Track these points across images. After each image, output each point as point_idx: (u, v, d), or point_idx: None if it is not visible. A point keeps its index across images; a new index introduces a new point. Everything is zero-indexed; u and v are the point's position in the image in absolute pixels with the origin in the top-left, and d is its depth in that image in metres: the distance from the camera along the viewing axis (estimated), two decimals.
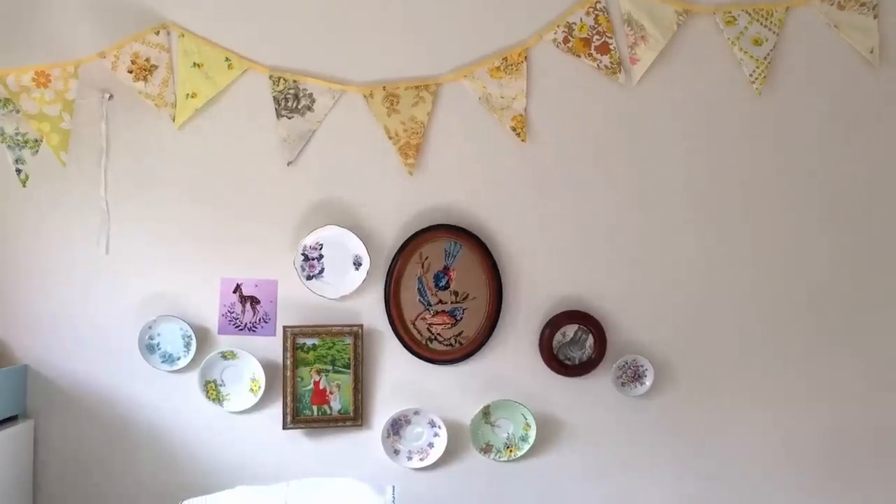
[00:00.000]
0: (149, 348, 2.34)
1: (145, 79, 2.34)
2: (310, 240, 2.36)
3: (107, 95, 2.35)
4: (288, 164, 2.38)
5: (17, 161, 2.29)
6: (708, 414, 2.44)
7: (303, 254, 2.37)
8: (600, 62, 2.41)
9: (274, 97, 2.37)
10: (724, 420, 2.44)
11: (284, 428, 2.36)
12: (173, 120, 2.36)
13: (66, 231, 2.36)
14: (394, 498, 2.05)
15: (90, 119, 2.34)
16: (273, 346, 2.37)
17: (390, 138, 2.39)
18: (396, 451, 2.39)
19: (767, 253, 2.45)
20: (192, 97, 2.36)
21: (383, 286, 2.40)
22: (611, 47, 2.40)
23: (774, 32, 2.41)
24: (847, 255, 2.46)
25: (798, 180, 2.45)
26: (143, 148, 2.37)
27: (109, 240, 2.36)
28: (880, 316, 2.46)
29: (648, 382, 2.40)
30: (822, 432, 2.45)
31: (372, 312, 2.40)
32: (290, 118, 2.38)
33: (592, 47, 2.41)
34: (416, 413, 2.38)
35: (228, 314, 2.38)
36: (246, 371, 2.36)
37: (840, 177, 2.45)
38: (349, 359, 2.37)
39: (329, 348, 2.37)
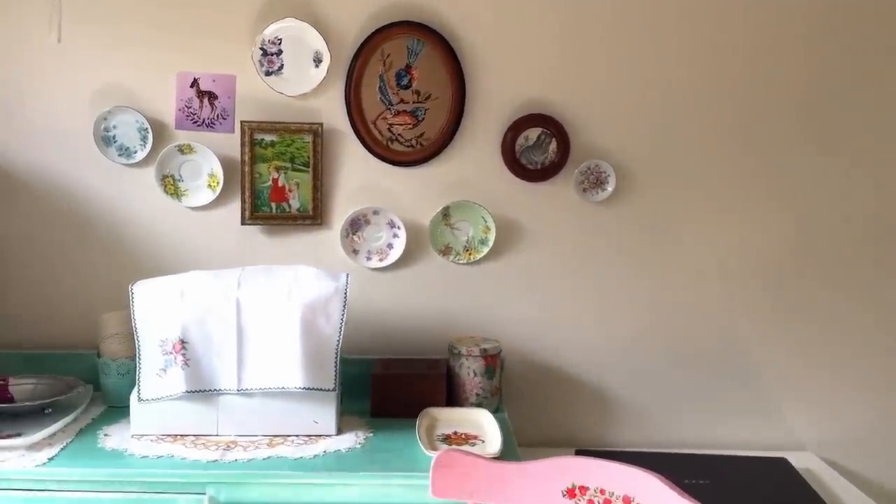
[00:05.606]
0: (105, 140, 2.30)
1: None
2: (268, 32, 2.29)
3: None
4: None
5: None
6: (669, 220, 2.42)
7: (261, 48, 2.30)
8: None
9: None
10: (684, 226, 2.42)
11: (243, 224, 2.34)
12: None
13: (16, 17, 2.27)
14: (347, 285, 2.04)
15: None
16: (231, 143, 2.33)
17: None
18: (355, 251, 2.38)
19: (741, 62, 2.37)
20: None
21: (344, 85, 2.34)
22: None
23: None
24: (827, 63, 2.40)
25: None
26: None
27: (62, 28, 2.29)
28: (853, 122, 2.41)
29: (610, 188, 2.38)
30: (783, 241, 2.44)
31: (332, 111, 2.35)
32: None
33: None
34: (376, 213, 2.36)
35: (185, 109, 2.33)
36: (204, 166, 2.33)
37: None
38: (308, 157, 2.34)
39: (288, 145, 2.33)
